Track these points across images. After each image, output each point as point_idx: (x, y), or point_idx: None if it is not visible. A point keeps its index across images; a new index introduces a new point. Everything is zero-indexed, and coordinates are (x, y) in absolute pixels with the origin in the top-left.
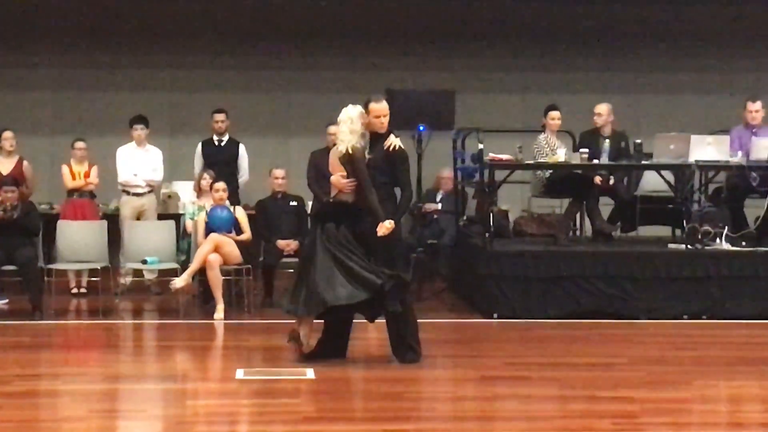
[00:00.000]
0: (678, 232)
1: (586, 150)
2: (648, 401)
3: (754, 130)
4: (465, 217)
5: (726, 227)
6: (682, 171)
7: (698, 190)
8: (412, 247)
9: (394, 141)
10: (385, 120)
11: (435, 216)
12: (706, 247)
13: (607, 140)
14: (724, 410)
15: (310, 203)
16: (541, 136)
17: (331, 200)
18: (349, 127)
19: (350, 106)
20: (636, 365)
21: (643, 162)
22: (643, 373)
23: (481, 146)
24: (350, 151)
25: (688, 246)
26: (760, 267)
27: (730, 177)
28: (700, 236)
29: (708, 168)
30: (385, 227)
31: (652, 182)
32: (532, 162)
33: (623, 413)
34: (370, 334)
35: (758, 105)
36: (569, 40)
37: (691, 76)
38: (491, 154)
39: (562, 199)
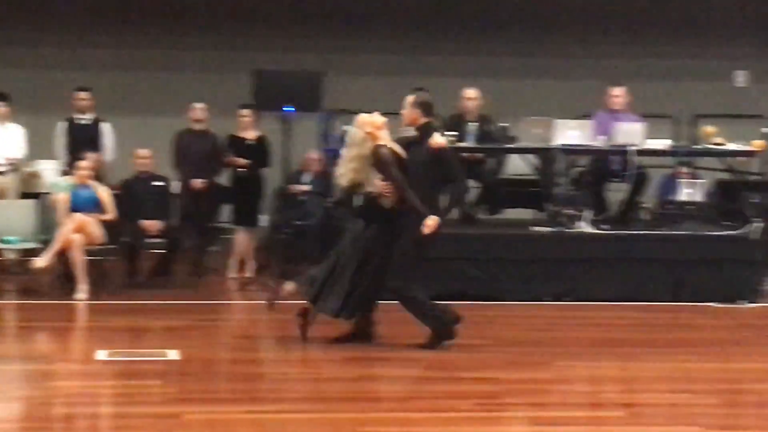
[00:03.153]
0: (541, 214)
1: (454, 133)
2: (510, 382)
3: (616, 115)
4: (332, 199)
5: (588, 210)
6: (545, 155)
7: (562, 173)
8: (277, 228)
9: (438, 140)
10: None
11: (302, 198)
12: (569, 230)
13: (473, 123)
14: (584, 391)
15: (174, 183)
16: None
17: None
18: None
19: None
20: (499, 346)
21: (508, 145)
22: (505, 354)
23: (345, 128)
24: (376, 155)
25: (551, 228)
26: (620, 249)
27: (592, 161)
28: (562, 219)
29: (571, 152)
30: (429, 225)
31: (517, 165)
32: None
33: (486, 394)
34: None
35: (621, 90)
36: (436, 24)
37: (555, 60)
38: None
39: None
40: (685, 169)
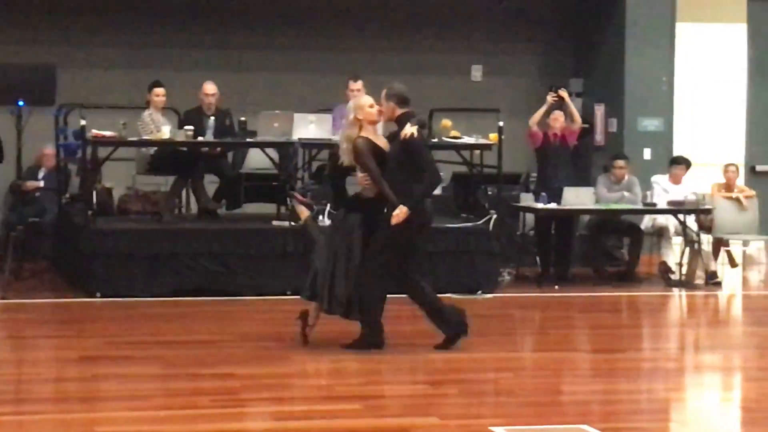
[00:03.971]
0: (282, 209)
1: (191, 127)
2: (249, 377)
3: None
4: (68, 195)
5: (328, 204)
6: (285, 148)
7: (302, 167)
8: (10, 225)
9: (407, 130)
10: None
11: (37, 194)
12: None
13: (212, 118)
14: (323, 384)
15: None
16: (146, 113)
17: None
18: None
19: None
20: (239, 342)
21: (248, 140)
22: (245, 350)
23: (83, 122)
24: (353, 146)
25: (292, 223)
26: None
27: (332, 155)
28: None
29: (311, 146)
30: (395, 215)
31: (256, 160)
32: (136, 139)
33: (224, 390)
34: None
35: (359, 84)
36: (173, 17)
37: (294, 54)
38: (94, 131)
39: (167, 177)
40: None
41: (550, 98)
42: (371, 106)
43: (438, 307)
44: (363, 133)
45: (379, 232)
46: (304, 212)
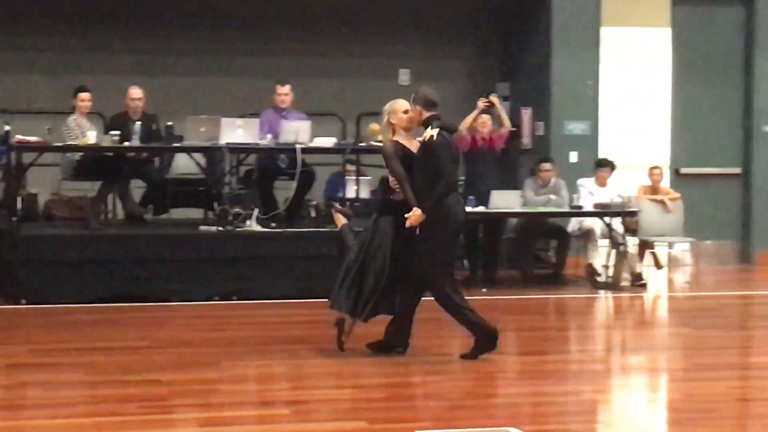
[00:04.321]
0: (210, 214)
1: (117, 132)
2: (177, 383)
3: (283, 114)
4: None
5: (256, 209)
6: (212, 153)
7: (229, 172)
8: None
9: (427, 133)
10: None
11: None
12: (237, 229)
13: (138, 123)
14: (251, 390)
15: None
16: (71, 118)
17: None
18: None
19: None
20: (166, 348)
21: (174, 144)
22: (172, 356)
23: (7, 128)
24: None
25: (220, 228)
26: (288, 247)
27: (260, 159)
28: (231, 218)
29: (238, 150)
30: (408, 217)
31: (183, 165)
32: (61, 144)
33: (152, 396)
34: None
35: (287, 88)
36: (100, 21)
37: (222, 58)
38: (18, 136)
39: (93, 182)
40: (351, 167)
41: (482, 103)
42: (405, 112)
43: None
44: (395, 137)
45: (414, 243)
46: (340, 220)
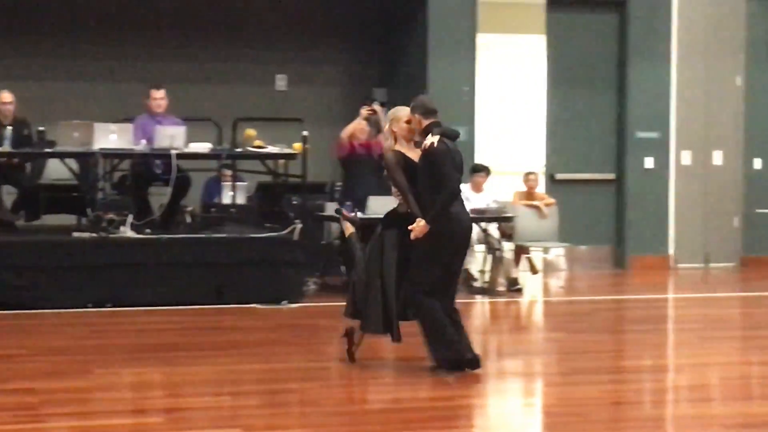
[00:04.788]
0: (83, 220)
1: None
2: (48, 392)
3: (157, 119)
4: None
5: (131, 215)
6: (86, 159)
7: (103, 178)
8: None
9: (427, 140)
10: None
11: None
12: (111, 235)
13: (9, 127)
14: (126, 397)
15: None
16: None
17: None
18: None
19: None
20: (37, 356)
21: (46, 150)
22: (45, 364)
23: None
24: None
25: (93, 234)
26: (164, 254)
27: (134, 165)
28: (104, 224)
29: (112, 156)
30: (412, 228)
31: (56, 170)
32: None
33: (24, 405)
34: None
35: (162, 93)
36: None
37: (94, 62)
38: None
39: None
40: (227, 172)
41: (365, 111)
42: (408, 121)
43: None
44: (397, 146)
45: (414, 251)
46: (348, 228)
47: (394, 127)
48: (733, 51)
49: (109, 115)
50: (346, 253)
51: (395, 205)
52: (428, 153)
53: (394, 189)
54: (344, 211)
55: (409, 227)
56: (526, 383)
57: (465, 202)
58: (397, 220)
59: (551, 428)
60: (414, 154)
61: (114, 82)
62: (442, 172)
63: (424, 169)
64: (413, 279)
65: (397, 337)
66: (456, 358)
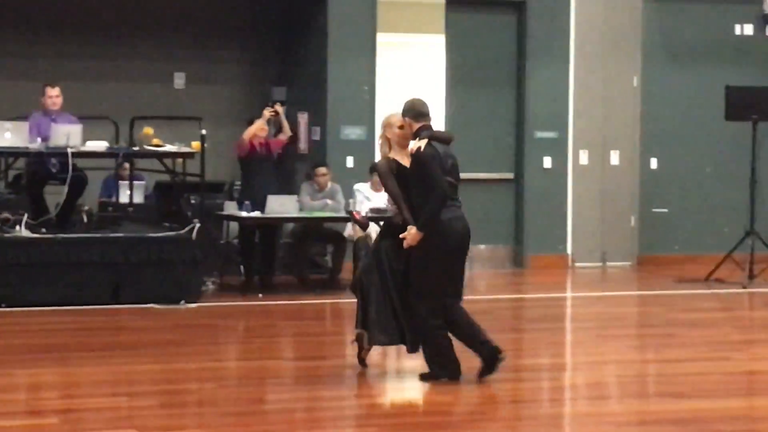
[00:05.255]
0: None
1: None
2: None
3: (53, 117)
4: None
5: (26, 214)
6: None
7: None
8: None
9: (414, 144)
10: (400, 132)
11: None
12: (6, 235)
13: None
14: (20, 399)
15: None
16: None
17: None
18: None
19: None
20: None
21: None
22: None
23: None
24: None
25: None
26: (59, 253)
27: (29, 163)
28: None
29: (7, 154)
30: (404, 236)
31: None
32: None
33: None
34: None
35: (57, 91)
36: None
37: None
38: None
39: None
40: (125, 171)
41: (268, 113)
42: (400, 127)
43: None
44: (392, 152)
45: (411, 261)
46: (358, 231)
47: (387, 134)
48: (630, 52)
49: (4, 113)
50: (245, 252)
51: (391, 215)
52: (415, 157)
53: (387, 198)
54: (354, 212)
55: (401, 236)
56: (423, 383)
57: (366, 202)
58: (393, 230)
59: (450, 427)
60: (405, 160)
61: (8, 80)
62: (430, 176)
63: (414, 175)
64: (413, 288)
65: (410, 348)
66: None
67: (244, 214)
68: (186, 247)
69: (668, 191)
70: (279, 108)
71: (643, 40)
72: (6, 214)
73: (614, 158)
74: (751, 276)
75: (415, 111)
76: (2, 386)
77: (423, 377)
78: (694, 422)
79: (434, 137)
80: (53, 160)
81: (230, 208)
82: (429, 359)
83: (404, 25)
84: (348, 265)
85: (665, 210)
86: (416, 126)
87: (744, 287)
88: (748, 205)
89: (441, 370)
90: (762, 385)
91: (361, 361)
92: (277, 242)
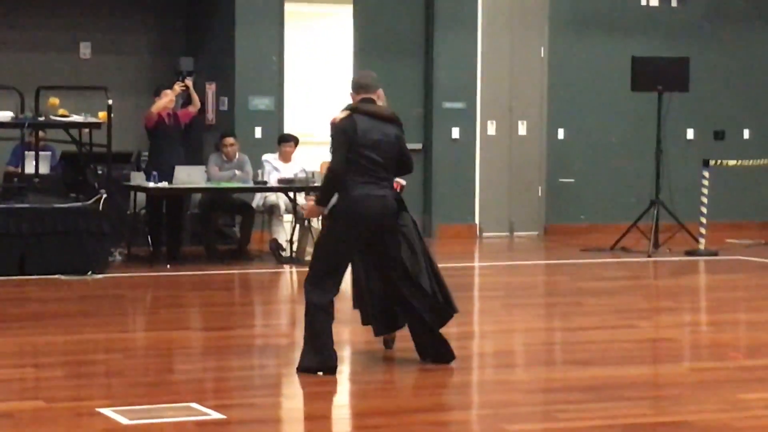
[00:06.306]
0: None
1: None
2: None
3: None
4: None
5: None
6: None
7: None
8: None
9: (337, 116)
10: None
11: None
12: None
13: None
14: None
15: None
16: None
17: None
18: None
19: None
20: None
21: None
22: None
23: None
24: None
25: None
26: None
27: None
28: None
29: None
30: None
31: None
32: None
33: None
34: None
35: None
36: None
37: None
38: None
39: None
40: (30, 141)
41: (178, 87)
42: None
43: None
44: None
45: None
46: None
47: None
48: (537, 23)
49: None
50: (152, 223)
51: None
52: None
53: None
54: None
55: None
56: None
57: (274, 172)
58: None
59: (359, 396)
60: None
61: None
62: (333, 148)
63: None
64: (310, 270)
65: (377, 331)
66: (319, 367)
67: (151, 184)
68: (93, 218)
69: (575, 161)
70: (189, 82)
71: (551, 11)
72: None
73: (522, 129)
74: (656, 245)
75: (354, 84)
76: None
77: (298, 369)
78: (600, 389)
79: (361, 110)
80: None
81: (137, 178)
82: (305, 342)
83: None
84: (257, 236)
85: (572, 180)
86: (357, 99)
87: (649, 256)
88: (653, 175)
89: (315, 355)
90: (667, 352)
91: (386, 342)
92: (185, 213)
